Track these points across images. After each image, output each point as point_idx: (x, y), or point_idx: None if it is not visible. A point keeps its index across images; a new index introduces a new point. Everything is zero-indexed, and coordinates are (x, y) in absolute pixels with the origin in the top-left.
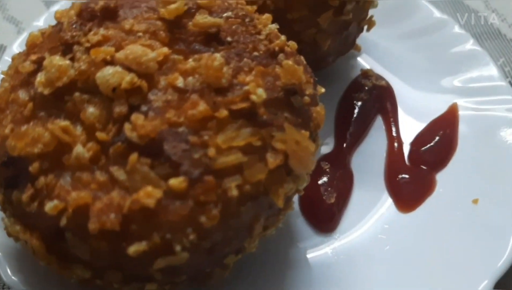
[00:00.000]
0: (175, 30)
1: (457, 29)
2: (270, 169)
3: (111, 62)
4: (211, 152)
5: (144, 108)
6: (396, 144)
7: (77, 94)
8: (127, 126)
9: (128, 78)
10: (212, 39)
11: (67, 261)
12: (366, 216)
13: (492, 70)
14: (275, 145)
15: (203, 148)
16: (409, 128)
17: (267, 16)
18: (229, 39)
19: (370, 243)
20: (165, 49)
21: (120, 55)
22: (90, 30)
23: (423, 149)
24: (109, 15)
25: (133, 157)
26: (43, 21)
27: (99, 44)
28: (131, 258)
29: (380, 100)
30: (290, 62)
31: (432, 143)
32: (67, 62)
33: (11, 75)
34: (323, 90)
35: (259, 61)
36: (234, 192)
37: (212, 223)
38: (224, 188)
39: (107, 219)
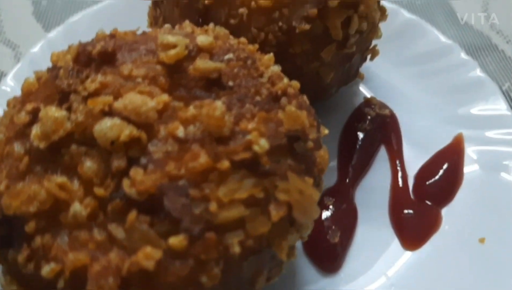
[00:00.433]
0: (175, 75)
1: (463, 55)
2: (273, 222)
3: (109, 112)
4: (213, 206)
5: (143, 160)
6: (400, 177)
7: (74, 146)
8: (125, 182)
9: (127, 131)
10: (213, 84)
11: None
12: (371, 254)
13: (499, 100)
14: (278, 196)
15: (204, 202)
16: (414, 158)
17: (269, 57)
18: (230, 83)
19: (375, 283)
20: (165, 97)
21: (118, 105)
22: (87, 77)
23: (428, 182)
24: (107, 58)
25: (132, 215)
26: (39, 48)
27: (96, 92)
28: None
29: (384, 130)
30: (293, 108)
31: (437, 177)
32: (64, 113)
33: (6, 125)
34: (326, 131)
35: (261, 107)
36: (236, 249)
37: (213, 283)
38: (225, 244)
39: (105, 283)
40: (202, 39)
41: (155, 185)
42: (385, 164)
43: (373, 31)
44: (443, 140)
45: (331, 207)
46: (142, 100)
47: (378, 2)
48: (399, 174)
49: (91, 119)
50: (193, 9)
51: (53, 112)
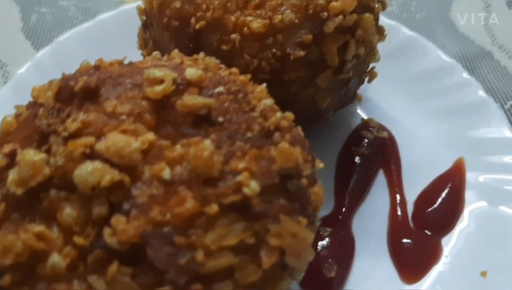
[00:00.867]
0: (162, 111)
1: (465, 75)
2: (264, 269)
3: (90, 154)
4: (199, 255)
5: (126, 206)
6: (399, 204)
7: (53, 191)
8: (106, 231)
9: (108, 176)
10: (202, 120)
11: None
12: (369, 289)
13: (501, 124)
14: (270, 241)
15: (191, 250)
16: (413, 183)
17: (261, 89)
18: (221, 119)
19: None
20: (151, 135)
21: (100, 146)
22: (68, 115)
23: (427, 210)
24: (90, 94)
25: (113, 267)
26: (25, 69)
27: (78, 132)
28: None
29: (382, 154)
30: (286, 144)
31: (436, 205)
32: (43, 156)
33: None
34: (321, 165)
35: (253, 144)
36: None
37: None
38: None
39: None
40: (191, 72)
41: (137, 233)
42: (384, 189)
43: (371, 54)
44: (443, 165)
45: (327, 238)
46: (126, 141)
47: (376, 24)
48: (398, 201)
49: (71, 163)
50: (184, 34)
51: (31, 155)
